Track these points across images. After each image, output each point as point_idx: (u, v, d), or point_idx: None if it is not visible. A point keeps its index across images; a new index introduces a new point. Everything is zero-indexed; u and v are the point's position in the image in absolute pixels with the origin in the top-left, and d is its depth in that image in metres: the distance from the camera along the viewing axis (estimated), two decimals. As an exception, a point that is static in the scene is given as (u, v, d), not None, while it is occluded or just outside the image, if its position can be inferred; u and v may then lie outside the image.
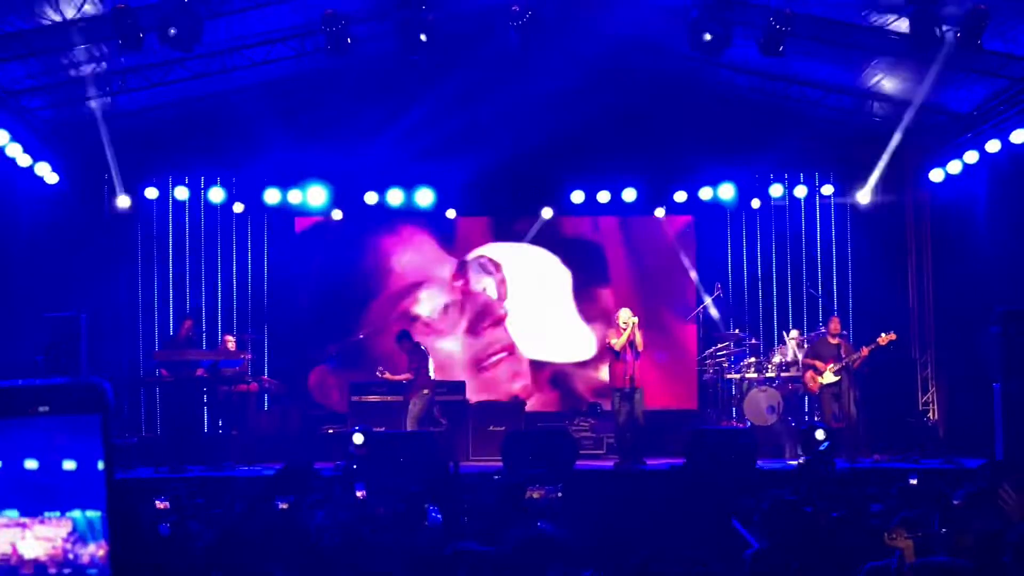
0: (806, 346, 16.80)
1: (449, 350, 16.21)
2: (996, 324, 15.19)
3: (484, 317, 16.23)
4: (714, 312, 18.20)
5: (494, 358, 16.72)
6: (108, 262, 17.66)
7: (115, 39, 12.78)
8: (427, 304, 16.47)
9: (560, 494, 12.30)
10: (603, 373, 16.54)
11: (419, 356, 15.92)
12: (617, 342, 14.96)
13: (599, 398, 17.38)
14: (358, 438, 13.68)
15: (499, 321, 16.11)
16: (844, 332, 16.27)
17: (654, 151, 17.69)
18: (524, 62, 15.72)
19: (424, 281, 16.55)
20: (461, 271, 16.38)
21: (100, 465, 2.08)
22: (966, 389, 16.39)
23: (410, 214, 16.85)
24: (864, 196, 17.83)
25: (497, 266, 16.23)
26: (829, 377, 15.51)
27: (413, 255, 16.24)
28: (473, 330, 15.96)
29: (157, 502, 8.46)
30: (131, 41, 12.51)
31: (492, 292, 16.14)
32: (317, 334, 17.86)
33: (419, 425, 15.51)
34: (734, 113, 17.73)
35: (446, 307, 15.46)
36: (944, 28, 12.22)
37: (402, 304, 16.28)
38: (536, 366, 17.54)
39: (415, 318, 16.74)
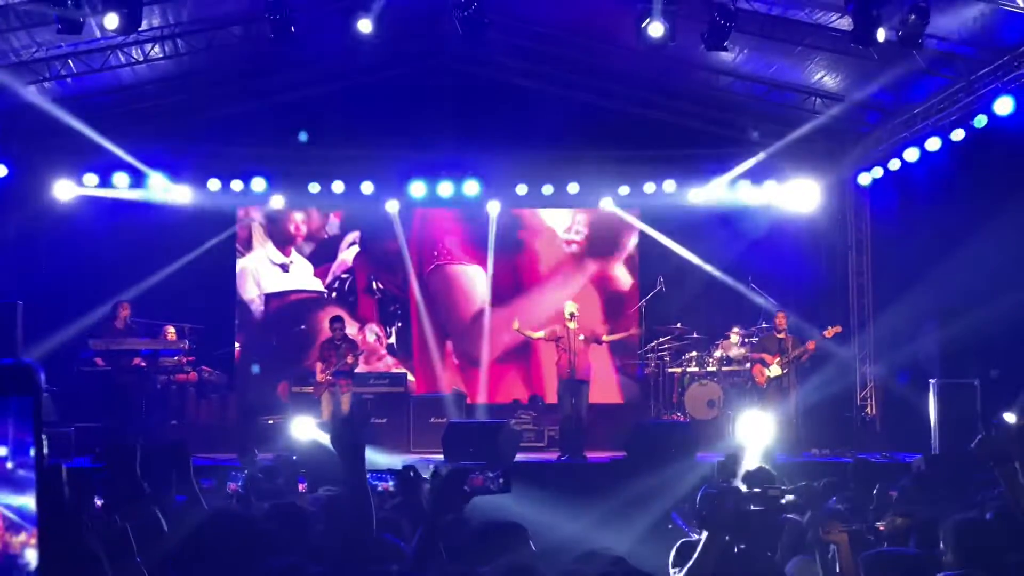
0: (748, 341, 16.90)
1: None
2: (932, 321, 15.44)
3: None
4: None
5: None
6: (46, 250, 17.40)
7: (55, 24, 12.56)
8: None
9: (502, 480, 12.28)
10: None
11: (352, 344, 16.42)
12: (532, 333, 15.80)
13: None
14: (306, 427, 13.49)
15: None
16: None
17: (598, 145, 17.68)
18: (466, 54, 15.70)
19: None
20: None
21: (31, 451, 2.04)
22: (903, 385, 16.56)
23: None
24: (804, 192, 17.94)
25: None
26: (775, 371, 15.64)
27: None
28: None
29: (97, 500, 8.18)
30: (71, 26, 12.32)
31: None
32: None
33: None
34: (678, 108, 17.79)
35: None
36: (885, 26, 12.33)
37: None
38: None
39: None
